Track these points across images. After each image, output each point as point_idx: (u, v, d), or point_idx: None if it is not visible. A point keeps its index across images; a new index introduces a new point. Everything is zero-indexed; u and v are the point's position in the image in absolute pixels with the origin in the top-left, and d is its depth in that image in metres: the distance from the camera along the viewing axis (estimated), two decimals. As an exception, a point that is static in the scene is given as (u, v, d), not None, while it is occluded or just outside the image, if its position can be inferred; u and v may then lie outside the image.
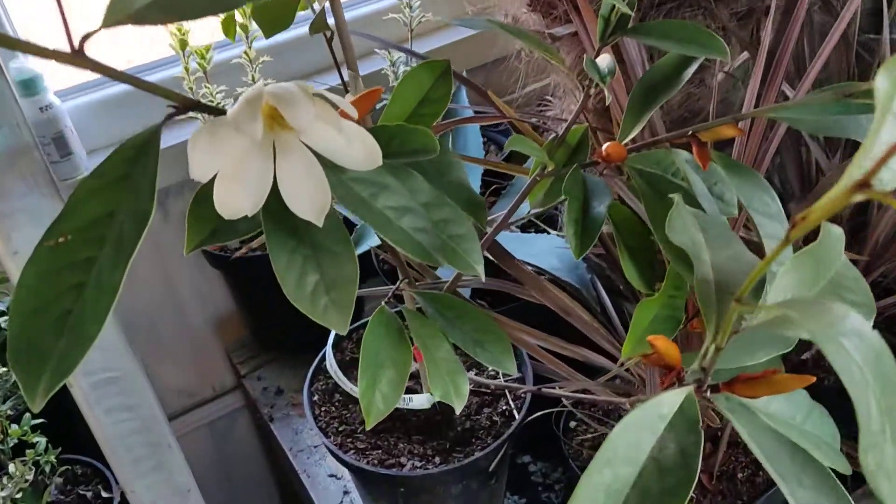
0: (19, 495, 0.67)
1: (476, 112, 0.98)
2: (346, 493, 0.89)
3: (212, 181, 0.39)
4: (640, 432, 0.37)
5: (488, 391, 0.79)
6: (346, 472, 0.90)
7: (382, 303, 0.59)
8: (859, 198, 0.22)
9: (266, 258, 0.41)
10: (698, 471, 0.36)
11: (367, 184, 0.44)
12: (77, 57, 0.31)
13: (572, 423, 0.80)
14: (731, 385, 0.42)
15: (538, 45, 0.58)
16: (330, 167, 0.42)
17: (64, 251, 0.33)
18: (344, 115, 0.46)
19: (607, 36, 0.58)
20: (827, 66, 0.71)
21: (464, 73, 1.07)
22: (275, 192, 0.40)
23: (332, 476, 0.91)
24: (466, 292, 0.90)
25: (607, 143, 0.54)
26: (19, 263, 0.32)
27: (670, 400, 0.38)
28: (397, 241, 0.44)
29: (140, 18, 0.31)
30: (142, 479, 0.48)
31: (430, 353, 0.59)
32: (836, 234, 0.38)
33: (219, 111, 0.38)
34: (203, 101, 0.90)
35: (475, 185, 1.00)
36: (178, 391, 1.24)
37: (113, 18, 0.30)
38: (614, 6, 0.56)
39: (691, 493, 0.36)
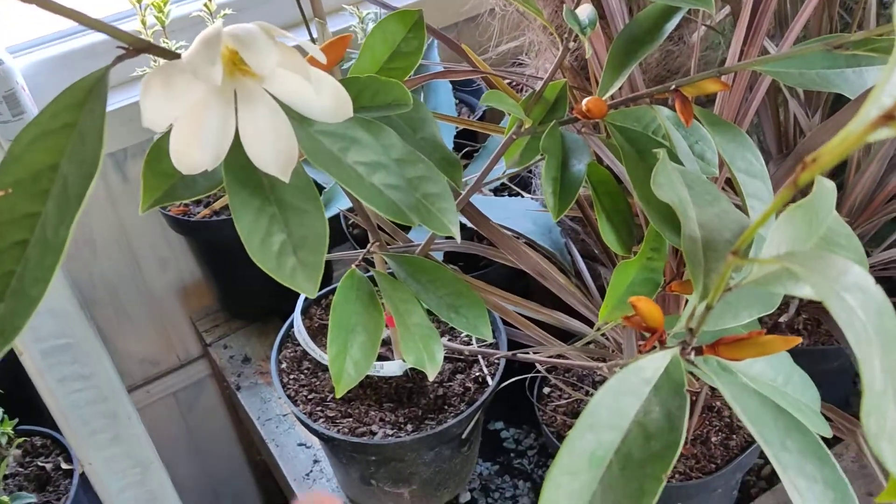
0: (-28, 468, 0.64)
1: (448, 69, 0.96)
2: (315, 461, 0.87)
3: (167, 136, 0.36)
4: (623, 397, 0.35)
5: (461, 357, 0.77)
6: (315, 441, 0.88)
7: (353, 266, 0.57)
8: (884, 133, 0.20)
9: (231, 222, 0.38)
10: (684, 434, 0.35)
11: (337, 137, 0.41)
12: None
13: (546, 389, 0.79)
14: (714, 347, 0.41)
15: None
16: (296, 119, 0.39)
17: (3, 206, 0.30)
18: (312, 62, 0.43)
19: (587, -15, 0.56)
20: (808, 25, 0.69)
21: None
22: (237, 145, 0.37)
23: (301, 445, 0.89)
24: (438, 256, 0.88)
25: (587, 98, 0.52)
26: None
27: (655, 363, 0.37)
28: (368, 199, 0.41)
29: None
30: (99, 452, 0.46)
31: (403, 319, 0.57)
32: (828, 188, 0.37)
33: (173, 54, 0.35)
34: (153, 65, 0.85)
35: (449, 140, 0.98)
36: (141, 360, 1.21)
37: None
38: (594, -46, 0.54)
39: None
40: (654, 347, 0.44)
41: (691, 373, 0.41)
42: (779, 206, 0.26)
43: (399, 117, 0.54)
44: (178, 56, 0.35)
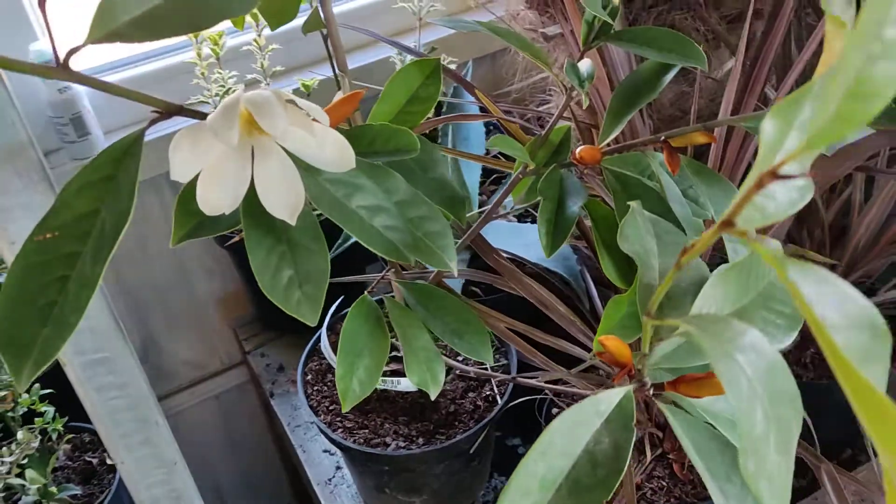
0: (25, 461, 0.71)
1: (480, 108, 1.01)
2: (338, 468, 0.93)
3: (196, 180, 0.42)
4: (577, 427, 0.40)
5: (474, 377, 0.82)
6: (341, 454, 0.94)
7: (365, 292, 0.62)
8: (730, 234, 0.24)
9: None
10: (627, 463, 0.39)
11: (342, 184, 0.47)
12: (63, 71, 0.34)
13: (555, 410, 0.83)
14: (675, 385, 0.45)
15: (523, 45, 0.60)
16: (307, 169, 0.45)
17: (52, 245, 0.36)
18: (330, 115, 0.49)
19: (591, 40, 0.60)
20: (809, 73, 0.72)
21: (469, 63, 1.09)
22: (253, 192, 0.43)
23: (326, 451, 0.95)
24: (458, 285, 0.93)
25: (581, 147, 0.56)
26: (15, 252, 0.35)
27: (610, 397, 0.41)
28: (368, 241, 0.46)
29: (121, 36, 0.34)
30: (130, 453, 0.52)
31: (410, 343, 0.62)
32: (770, 247, 0.41)
33: (201, 115, 0.41)
34: (205, 94, 0.92)
35: (475, 176, 1.03)
36: (186, 363, 1.28)
37: (96, 35, 0.33)
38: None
39: (633, 482, 0.39)
40: (625, 381, 0.48)
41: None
42: (666, 287, 0.30)
43: (411, 158, 0.59)
44: (203, 116, 0.41)
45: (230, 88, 1.01)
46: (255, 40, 0.97)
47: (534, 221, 1.00)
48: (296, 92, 1.04)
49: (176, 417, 1.30)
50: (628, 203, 0.48)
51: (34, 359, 0.35)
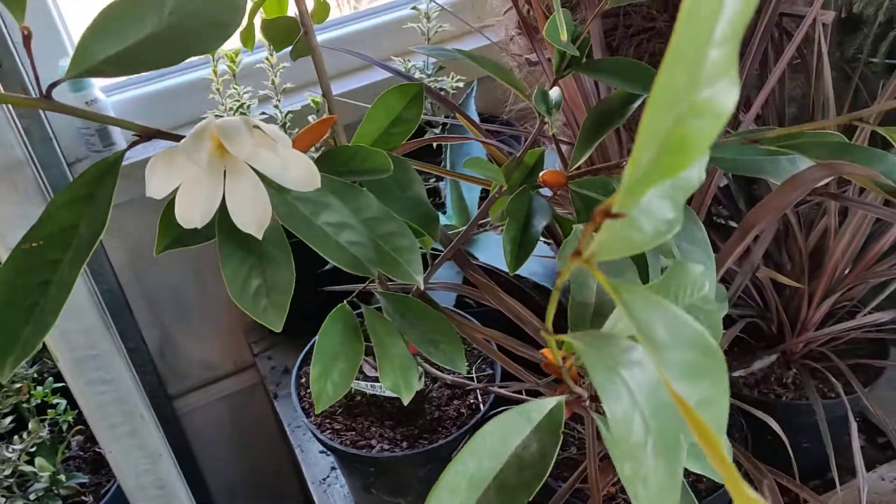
0: (34, 449, 0.76)
1: (483, 123, 1.05)
2: (333, 468, 0.97)
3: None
4: (508, 431, 0.43)
5: (460, 386, 0.85)
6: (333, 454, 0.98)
7: (345, 301, 0.66)
8: (579, 264, 0.28)
9: None
10: (551, 466, 0.42)
11: (310, 203, 0.51)
12: (44, 101, 0.38)
13: (538, 420, 0.86)
14: (611, 397, 0.48)
15: (497, 72, 0.64)
16: (277, 189, 0.49)
17: (37, 253, 0.41)
18: (296, 143, 0.53)
19: (562, 69, 0.64)
20: (768, 105, 0.75)
21: (474, 82, 1.13)
22: (226, 208, 0.47)
23: (322, 452, 0.99)
24: (452, 296, 0.96)
25: (545, 171, 0.60)
26: (10, 258, 0.40)
27: (542, 406, 0.44)
28: (332, 256, 0.50)
29: (97, 72, 0.38)
30: (117, 443, 0.56)
31: (385, 349, 0.65)
32: (694, 272, 0.44)
33: (175, 137, 0.46)
34: (220, 108, 0.97)
35: (475, 194, 1.06)
36: (200, 363, 1.34)
37: (75, 72, 0.38)
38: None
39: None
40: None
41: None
42: (553, 306, 0.33)
43: (389, 177, 0.63)
44: (179, 140, 0.45)
45: (244, 103, 1.06)
46: (267, 58, 1.02)
47: (529, 237, 1.03)
48: (305, 108, 1.09)
49: (189, 416, 1.36)
50: (576, 225, 0.51)
51: (16, 353, 0.40)
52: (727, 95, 0.24)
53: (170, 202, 0.51)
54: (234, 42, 1.07)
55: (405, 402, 0.65)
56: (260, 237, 0.47)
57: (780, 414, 0.82)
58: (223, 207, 0.47)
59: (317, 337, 0.62)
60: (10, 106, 0.44)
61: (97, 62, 0.38)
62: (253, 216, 0.47)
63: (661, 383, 0.34)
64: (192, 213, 0.46)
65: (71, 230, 0.41)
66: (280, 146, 0.46)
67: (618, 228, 0.30)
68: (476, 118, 1.12)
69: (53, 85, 0.38)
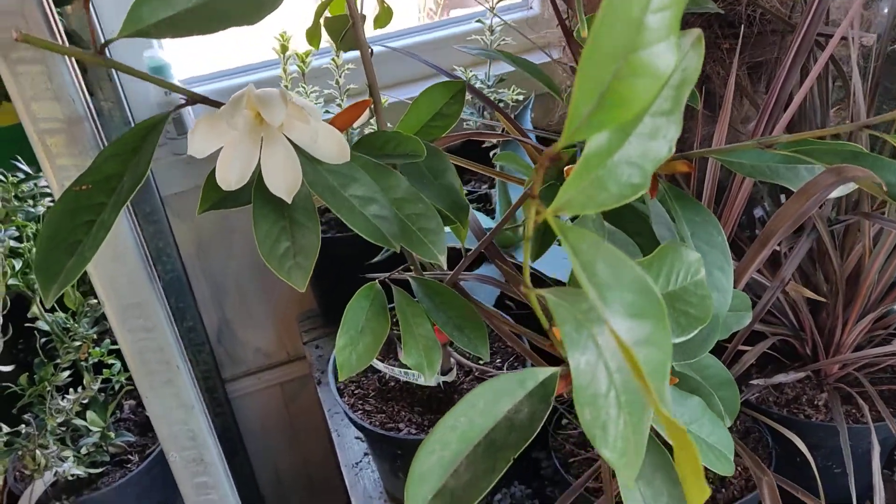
0: (87, 401, 0.82)
1: (537, 135, 1.07)
2: (366, 454, 1.00)
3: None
4: (501, 395, 0.46)
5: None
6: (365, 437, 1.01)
7: (376, 280, 0.70)
8: (535, 207, 0.30)
9: (336, 240, 0.52)
10: (537, 431, 0.44)
11: (340, 175, 0.54)
12: (98, 56, 0.43)
13: (564, 421, 0.88)
14: (610, 377, 0.50)
15: (533, 71, 0.67)
16: (311, 160, 0.53)
17: (84, 196, 0.46)
18: (334, 121, 0.57)
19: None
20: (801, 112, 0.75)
21: (532, 96, 1.16)
22: (261, 173, 0.51)
23: (357, 438, 1.03)
24: (494, 295, 0.99)
25: (568, 166, 0.62)
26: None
27: (536, 375, 0.47)
28: (357, 225, 0.54)
29: (146, 34, 0.43)
30: (154, 391, 0.61)
31: (411, 328, 0.69)
32: (691, 258, 0.45)
33: (218, 104, 0.50)
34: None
35: (514, 196, 1.09)
36: (256, 349, 1.39)
37: (125, 33, 0.43)
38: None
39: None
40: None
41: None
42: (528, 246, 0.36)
43: (425, 165, 0.66)
44: (220, 106, 0.49)
45: (314, 102, 1.12)
46: (333, 59, 1.07)
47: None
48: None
49: (240, 399, 1.41)
50: (587, 217, 0.53)
51: (59, 283, 0.44)
52: (665, 58, 0.27)
53: (212, 171, 0.56)
54: (304, 44, 1.13)
55: (427, 381, 0.68)
56: (289, 201, 0.51)
57: (810, 436, 0.81)
58: (260, 173, 0.51)
59: (345, 308, 0.66)
60: (75, 66, 0.49)
61: (146, 25, 0.42)
62: (284, 181, 0.51)
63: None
64: (230, 175, 0.50)
65: (116, 178, 0.46)
66: (312, 119, 0.50)
67: (584, 187, 0.32)
68: (530, 128, 1.15)
69: (107, 43, 0.43)
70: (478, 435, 0.45)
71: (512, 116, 1.18)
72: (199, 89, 1.21)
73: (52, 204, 0.92)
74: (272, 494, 1.54)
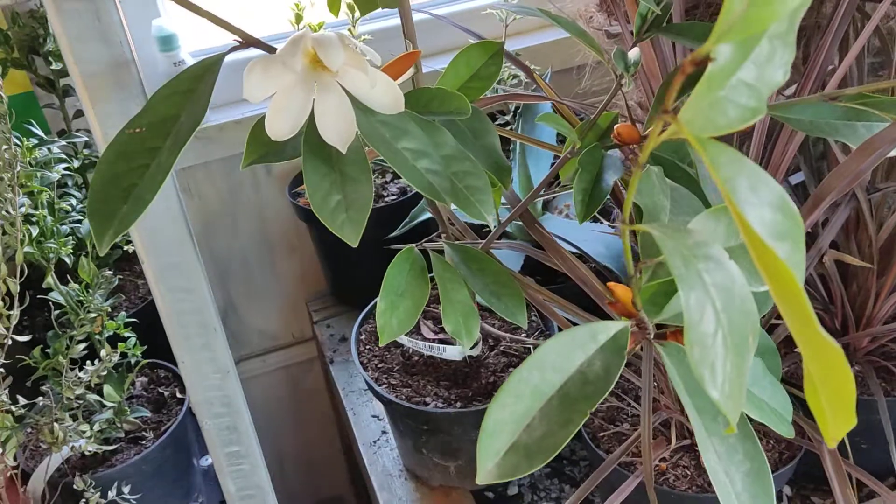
0: (105, 373, 0.80)
1: (553, 107, 1.06)
2: (384, 432, 0.98)
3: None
4: (573, 349, 0.44)
5: (516, 353, 0.86)
6: (385, 415, 1.00)
7: (414, 246, 0.68)
8: (667, 120, 0.29)
9: None
10: (614, 383, 0.43)
11: (392, 127, 0.53)
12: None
13: (592, 395, 0.86)
14: (676, 335, 0.49)
15: (577, 32, 0.65)
16: (363, 110, 0.51)
17: (138, 139, 0.44)
18: (387, 69, 0.56)
19: (643, 33, 0.65)
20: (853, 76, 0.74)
21: (548, 71, 1.14)
22: (314, 124, 0.49)
23: (374, 416, 1.01)
24: (518, 262, 0.97)
25: (619, 124, 0.61)
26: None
27: (608, 328, 0.45)
28: (410, 178, 0.52)
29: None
30: (190, 354, 0.59)
31: (449, 295, 0.67)
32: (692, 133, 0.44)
33: (273, 49, 0.48)
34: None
35: (545, 169, 1.07)
36: (261, 332, 1.37)
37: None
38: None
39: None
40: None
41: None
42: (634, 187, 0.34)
43: (465, 125, 0.65)
44: (274, 50, 0.47)
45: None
46: (349, 29, 1.05)
47: (593, 220, 1.04)
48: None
49: (246, 382, 1.39)
50: (649, 167, 0.52)
51: (114, 227, 0.42)
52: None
53: (258, 122, 0.54)
54: (318, 15, 1.10)
55: (466, 348, 0.66)
56: (344, 151, 0.49)
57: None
58: (310, 124, 0.49)
59: (385, 274, 0.64)
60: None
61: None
62: (338, 131, 0.49)
63: (735, 282, 0.34)
64: (283, 124, 0.48)
65: (172, 120, 0.44)
66: (369, 66, 0.48)
67: (704, 108, 0.31)
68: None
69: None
70: (551, 388, 0.43)
71: (530, 90, 1.17)
72: (207, 63, 1.18)
73: (66, 171, 0.89)
74: (275, 476, 1.51)
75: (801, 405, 0.77)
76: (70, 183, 0.95)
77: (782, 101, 0.56)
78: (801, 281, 0.27)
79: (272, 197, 1.25)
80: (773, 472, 0.76)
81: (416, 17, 0.69)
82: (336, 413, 1.43)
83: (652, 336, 0.48)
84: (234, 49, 0.47)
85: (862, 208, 0.75)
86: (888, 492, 0.72)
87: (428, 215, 0.98)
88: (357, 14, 1.05)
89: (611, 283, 0.50)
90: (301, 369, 1.42)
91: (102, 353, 0.80)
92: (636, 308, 0.46)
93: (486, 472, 0.41)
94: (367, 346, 0.88)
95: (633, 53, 0.63)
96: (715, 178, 0.27)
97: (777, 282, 0.27)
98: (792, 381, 0.83)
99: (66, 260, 0.83)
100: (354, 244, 0.51)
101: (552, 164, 1.12)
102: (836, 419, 0.27)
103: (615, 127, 0.61)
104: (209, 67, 0.45)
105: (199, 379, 0.60)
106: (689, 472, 0.78)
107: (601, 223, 1.00)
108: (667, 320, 0.50)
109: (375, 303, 0.92)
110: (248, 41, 0.47)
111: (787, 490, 0.93)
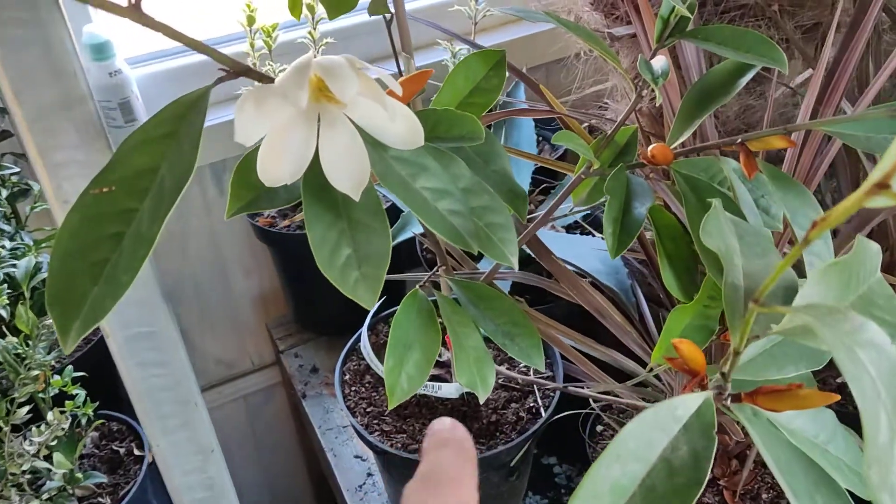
0: (54, 443, 0.69)
1: (525, 109, 0.99)
2: (369, 475, 0.90)
3: (257, 150, 0.40)
4: (653, 432, 0.37)
5: (518, 387, 0.79)
6: (370, 455, 0.91)
7: (417, 286, 0.60)
8: (877, 201, 0.22)
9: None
10: (708, 474, 0.36)
11: (408, 164, 0.44)
12: (132, 11, 0.32)
13: (599, 427, 0.80)
14: (753, 396, 0.42)
15: (597, 43, 0.58)
16: (372, 144, 0.42)
17: (108, 200, 0.34)
18: (392, 94, 0.47)
19: (665, 38, 0.58)
20: (888, 91, 0.69)
21: (523, 70, 1.07)
22: (315, 164, 0.40)
23: (357, 457, 0.92)
24: (506, 287, 0.90)
25: (653, 145, 0.54)
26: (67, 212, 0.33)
27: (687, 403, 0.38)
28: (433, 224, 0.44)
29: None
30: (167, 436, 0.50)
31: (460, 341, 0.59)
32: (871, 249, 0.37)
33: (269, 79, 0.39)
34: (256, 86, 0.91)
35: (526, 181, 1.01)
36: (217, 361, 1.27)
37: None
38: (674, 7, 0.56)
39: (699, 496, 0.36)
40: (695, 391, 0.45)
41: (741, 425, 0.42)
42: (794, 258, 0.27)
43: (472, 149, 0.57)
44: (272, 80, 0.38)
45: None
46: (309, 33, 0.96)
47: (583, 232, 0.97)
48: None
49: (203, 416, 1.28)
50: (709, 200, 0.45)
51: (83, 317, 0.33)
52: None
53: (245, 158, 0.45)
54: (271, 16, 1.00)
55: (482, 400, 0.58)
56: (357, 198, 0.40)
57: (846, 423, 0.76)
58: (311, 165, 0.41)
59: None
60: (73, 37, 0.38)
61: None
62: (351, 173, 0.41)
63: (899, 370, 0.27)
64: (281, 167, 0.40)
65: (149, 174, 0.35)
66: (388, 96, 0.39)
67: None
68: (523, 99, 1.06)
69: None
70: (632, 484, 0.36)
71: (508, 93, 1.10)
72: (147, 70, 1.07)
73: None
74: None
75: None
76: (-1, 216, 0.83)
77: (837, 118, 0.50)
78: None
79: (224, 217, 1.15)
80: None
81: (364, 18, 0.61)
82: (303, 444, 1.34)
83: (729, 400, 0.42)
84: (221, 80, 0.38)
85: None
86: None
87: (409, 234, 0.90)
88: (317, 14, 0.95)
89: (676, 340, 0.43)
90: (261, 398, 1.32)
91: (50, 416, 0.69)
92: (723, 379, 0.39)
93: None
94: (353, 388, 0.79)
95: (660, 63, 0.56)
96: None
97: None
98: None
99: (2, 312, 0.72)
100: (370, 307, 0.42)
101: (532, 172, 1.05)
102: None
103: (650, 148, 0.54)
104: (193, 104, 0.36)
105: (177, 462, 0.51)
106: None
107: (594, 236, 0.94)
108: (738, 376, 0.43)
109: (359, 336, 0.84)
110: (236, 71, 0.38)
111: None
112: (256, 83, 0.40)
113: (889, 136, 0.51)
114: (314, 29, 0.96)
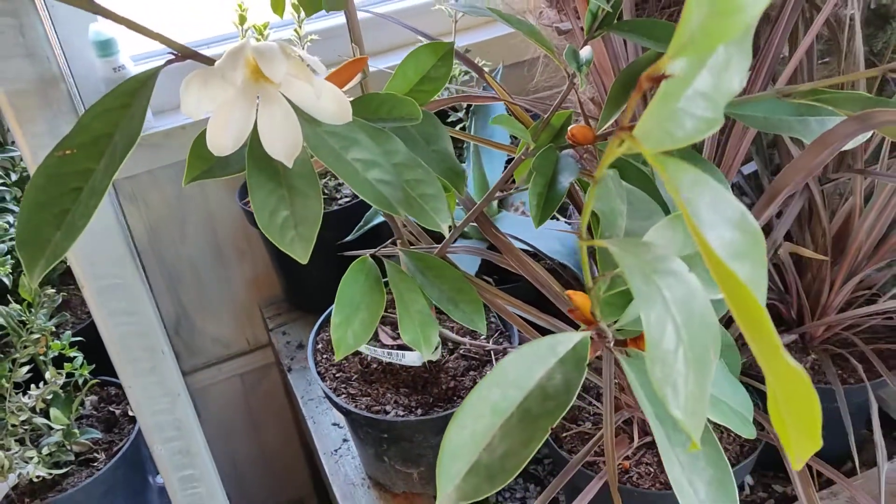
0: (51, 397, 0.76)
1: (507, 108, 1.05)
2: (344, 440, 0.97)
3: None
4: (533, 363, 0.43)
5: (476, 356, 0.85)
6: (346, 422, 0.98)
7: (367, 254, 0.66)
8: (625, 138, 0.28)
9: None
10: (575, 397, 0.42)
11: (340, 137, 0.51)
12: (90, 4, 0.39)
13: (553, 395, 0.86)
14: (636, 341, 0.48)
15: (528, 31, 0.64)
16: (309, 121, 0.49)
17: (69, 161, 0.41)
18: (332, 77, 0.54)
19: (594, 30, 0.64)
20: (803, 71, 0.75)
21: (500, 67, 1.13)
22: (258, 138, 0.47)
23: (335, 424, 0.99)
24: (475, 264, 0.96)
25: (573, 125, 0.60)
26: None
27: (566, 340, 0.44)
28: (362, 191, 0.50)
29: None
30: (138, 378, 0.56)
31: (406, 305, 0.65)
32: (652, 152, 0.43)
33: (210, 61, 0.46)
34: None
35: (499, 169, 1.06)
36: (214, 340, 1.34)
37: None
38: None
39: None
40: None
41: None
42: (590, 204, 0.33)
43: (416, 131, 0.63)
44: (213, 62, 0.45)
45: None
46: (295, 31, 1.02)
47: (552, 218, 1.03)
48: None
49: (201, 392, 1.36)
50: (607, 171, 0.51)
51: (46, 257, 0.40)
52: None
53: (199, 135, 0.51)
54: (263, 15, 1.07)
55: (425, 357, 0.65)
56: (290, 166, 0.47)
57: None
58: (255, 137, 0.48)
59: (339, 286, 0.62)
60: (51, 21, 0.44)
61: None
62: (284, 144, 0.47)
63: (695, 297, 0.33)
64: (224, 139, 0.46)
65: (105, 139, 0.42)
66: (315, 76, 0.46)
67: (662, 119, 0.30)
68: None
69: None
70: (511, 406, 0.42)
71: (482, 87, 1.16)
72: (148, 65, 1.14)
73: (2, 186, 0.85)
74: (230, 484, 1.48)
75: (760, 397, 0.77)
76: (8, 198, 0.91)
77: (735, 99, 0.55)
78: (762, 300, 0.26)
79: (221, 201, 1.22)
80: (734, 464, 0.76)
81: (358, 15, 0.67)
82: (295, 419, 1.41)
83: (612, 343, 0.48)
84: (169, 62, 0.45)
85: (815, 199, 0.75)
86: (844, 479, 0.72)
87: (382, 219, 0.97)
88: (302, 14, 1.02)
89: (570, 292, 0.49)
90: (257, 376, 1.39)
91: (47, 375, 0.77)
92: (595, 317, 0.45)
93: (447, 496, 0.40)
94: (325, 356, 0.86)
95: (585, 52, 0.62)
96: (675, 198, 0.26)
97: (738, 303, 0.26)
98: (751, 372, 0.84)
99: (6, 280, 0.79)
100: (304, 261, 0.49)
101: (507, 163, 1.11)
102: (801, 441, 0.26)
103: (569, 128, 0.60)
104: (144, 82, 0.43)
105: (147, 403, 0.58)
106: (651, 470, 0.77)
107: (557, 220, 1.00)
108: (626, 325, 0.49)
109: (331, 311, 0.91)
110: (184, 54, 0.45)
111: (748, 479, 0.94)
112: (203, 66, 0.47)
113: (784, 116, 0.57)
114: (300, 27, 1.03)
